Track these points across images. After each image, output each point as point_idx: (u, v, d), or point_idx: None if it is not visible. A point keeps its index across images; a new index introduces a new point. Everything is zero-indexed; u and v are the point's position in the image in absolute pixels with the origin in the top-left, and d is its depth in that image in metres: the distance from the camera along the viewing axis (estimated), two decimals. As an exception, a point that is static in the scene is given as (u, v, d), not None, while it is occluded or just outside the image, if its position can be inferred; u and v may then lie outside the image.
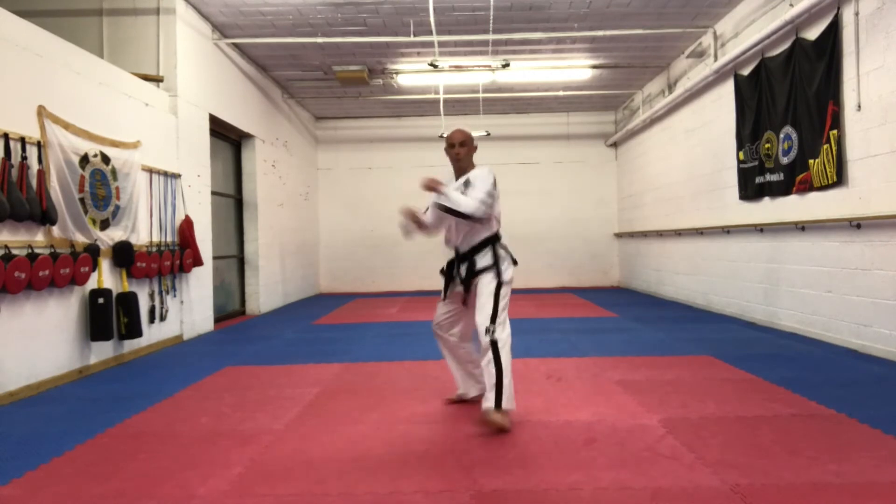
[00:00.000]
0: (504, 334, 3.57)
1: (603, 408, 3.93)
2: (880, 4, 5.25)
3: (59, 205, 4.92)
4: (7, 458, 3.22)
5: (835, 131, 5.79)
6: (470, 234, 3.73)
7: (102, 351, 5.56)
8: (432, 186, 3.63)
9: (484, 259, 3.68)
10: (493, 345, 3.51)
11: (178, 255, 6.77)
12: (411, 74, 10.18)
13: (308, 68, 10.02)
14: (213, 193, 8.29)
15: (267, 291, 10.05)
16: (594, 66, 10.07)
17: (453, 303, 3.88)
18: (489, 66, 9.48)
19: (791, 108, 6.50)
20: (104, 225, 5.55)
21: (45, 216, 4.70)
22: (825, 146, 5.93)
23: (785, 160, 6.66)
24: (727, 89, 8.03)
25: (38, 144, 4.74)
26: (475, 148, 3.89)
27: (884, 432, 3.31)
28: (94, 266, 5.28)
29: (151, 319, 6.35)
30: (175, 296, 6.87)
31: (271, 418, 3.86)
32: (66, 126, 5.08)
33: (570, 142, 13.75)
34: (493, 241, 3.72)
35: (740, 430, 3.44)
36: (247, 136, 9.65)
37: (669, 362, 5.29)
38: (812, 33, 6.12)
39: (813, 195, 6.24)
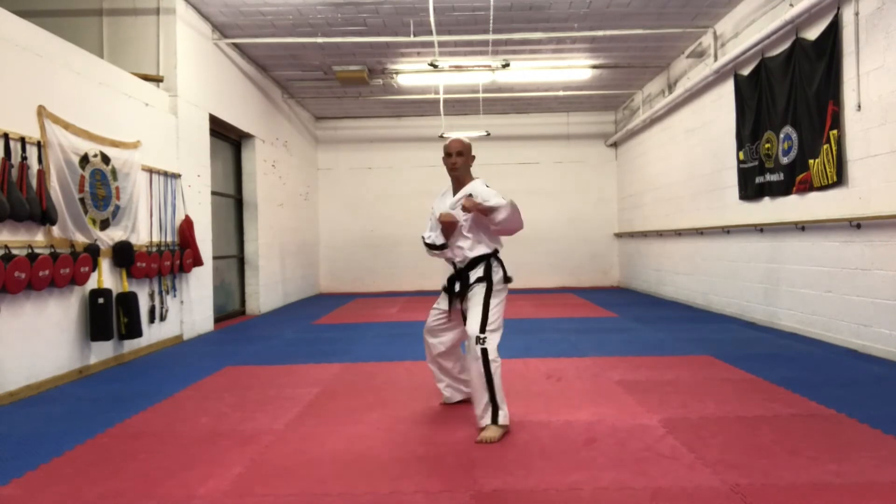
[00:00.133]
0: (493, 344, 3.48)
1: (603, 408, 3.93)
2: (880, 4, 5.25)
3: (59, 205, 4.92)
4: (7, 458, 3.22)
5: (835, 131, 5.79)
6: (471, 249, 3.68)
7: (102, 351, 5.56)
8: (473, 207, 3.50)
9: (476, 272, 3.65)
10: (484, 353, 3.44)
11: (178, 255, 6.77)
12: (411, 74, 10.17)
13: (308, 68, 10.02)
14: (213, 193, 8.29)
15: (267, 291, 10.05)
16: (594, 66, 10.06)
17: (450, 313, 3.83)
18: (489, 66, 9.47)
19: (791, 108, 6.50)
20: (104, 225, 5.55)
21: (45, 216, 4.70)
22: (825, 146, 5.93)
23: (785, 160, 6.66)
24: (727, 89, 8.03)
25: (38, 144, 4.74)
26: (473, 158, 3.81)
27: (884, 432, 3.31)
28: (94, 266, 5.28)
29: (151, 319, 6.35)
30: (175, 296, 6.87)
31: (271, 418, 3.86)
32: (66, 126, 5.08)
33: (570, 142, 13.74)
34: (489, 257, 3.67)
35: (740, 430, 3.44)
36: (247, 136, 9.65)
37: (669, 362, 5.29)
38: (812, 33, 6.12)
39: (813, 195, 6.24)
